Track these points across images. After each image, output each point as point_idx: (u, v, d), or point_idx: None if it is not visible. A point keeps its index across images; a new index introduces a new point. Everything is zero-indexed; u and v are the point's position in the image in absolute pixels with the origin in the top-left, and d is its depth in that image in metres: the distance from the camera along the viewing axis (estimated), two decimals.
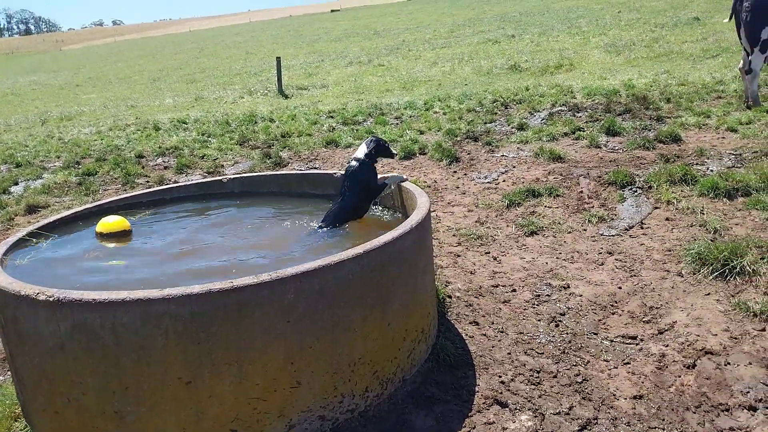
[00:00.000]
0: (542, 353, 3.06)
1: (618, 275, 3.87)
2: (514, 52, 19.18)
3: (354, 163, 3.64)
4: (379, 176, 3.72)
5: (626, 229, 4.57)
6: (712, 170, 5.58)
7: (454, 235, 4.78)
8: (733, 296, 3.40)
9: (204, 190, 4.13)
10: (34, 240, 3.16)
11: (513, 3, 40.98)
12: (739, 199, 4.78)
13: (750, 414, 2.47)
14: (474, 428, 2.52)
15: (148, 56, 41.42)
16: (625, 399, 2.65)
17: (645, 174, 5.61)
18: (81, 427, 2.30)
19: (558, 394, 2.72)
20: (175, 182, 7.09)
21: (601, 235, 4.54)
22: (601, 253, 4.22)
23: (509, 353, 3.07)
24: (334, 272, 2.33)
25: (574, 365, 2.93)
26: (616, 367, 2.90)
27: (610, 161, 6.30)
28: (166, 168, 8.21)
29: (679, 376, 2.77)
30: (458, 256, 4.38)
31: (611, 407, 2.61)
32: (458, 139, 8.10)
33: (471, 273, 4.08)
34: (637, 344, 3.08)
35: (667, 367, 2.85)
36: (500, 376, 2.87)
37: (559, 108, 9.61)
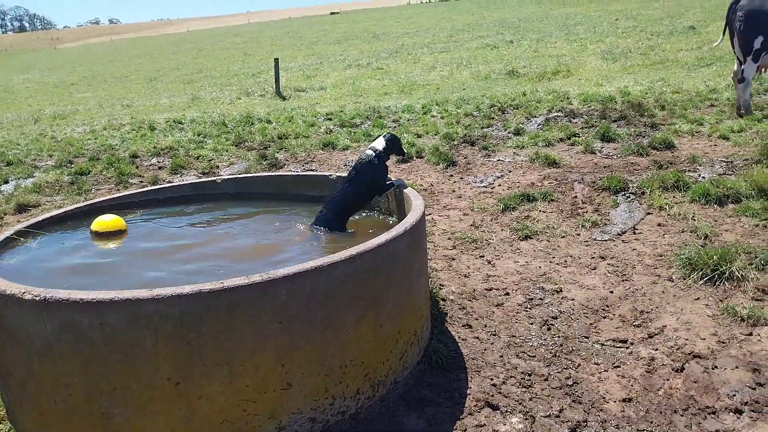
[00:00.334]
0: (534, 356, 3.07)
1: (610, 280, 3.89)
2: (512, 57, 19.27)
3: (370, 152, 3.68)
4: None
5: (619, 234, 4.60)
6: (703, 177, 5.62)
7: (449, 239, 4.80)
8: (721, 301, 3.42)
9: (198, 191, 4.13)
10: (22, 239, 3.14)
11: (512, 9, 41.18)
12: (730, 206, 4.82)
13: (736, 417, 2.50)
14: (465, 431, 2.53)
15: (145, 56, 41.37)
16: (615, 402, 2.67)
17: (638, 180, 5.65)
18: (68, 429, 2.28)
19: (549, 396, 2.73)
20: (170, 182, 7.08)
21: (594, 239, 4.56)
22: (593, 257, 4.25)
23: (501, 356, 3.08)
24: (327, 274, 2.34)
25: (565, 368, 2.95)
26: (607, 371, 2.91)
27: (604, 167, 6.34)
28: (160, 168, 8.20)
29: (668, 380, 2.79)
30: (453, 259, 4.40)
31: (601, 410, 2.62)
32: (455, 143, 8.13)
33: (465, 276, 4.09)
34: (627, 348, 3.10)
35: (656, 370, 2.87)
36: (492, 379, 2.88)
37: (556, 114, 9.66)
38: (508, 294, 3.79)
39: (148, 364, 2.16)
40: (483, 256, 4.41)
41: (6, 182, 7.83)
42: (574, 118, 9.14)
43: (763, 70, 8.76)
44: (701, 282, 3.66)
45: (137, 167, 8.23)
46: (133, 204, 3.91)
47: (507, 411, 2.64)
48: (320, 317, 2.37)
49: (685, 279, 3.74)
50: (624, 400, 2.67)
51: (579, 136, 7.77)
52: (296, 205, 3.92)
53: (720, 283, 3.60)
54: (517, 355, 3.08)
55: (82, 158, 9.05)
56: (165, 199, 4.03)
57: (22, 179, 7.89)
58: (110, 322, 2.10)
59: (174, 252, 3.15)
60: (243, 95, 17.49)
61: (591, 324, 3.37)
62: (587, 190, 5.62)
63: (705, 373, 2.79)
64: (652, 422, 2.52)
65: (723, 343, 3.03)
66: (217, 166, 8.05)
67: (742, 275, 3.60)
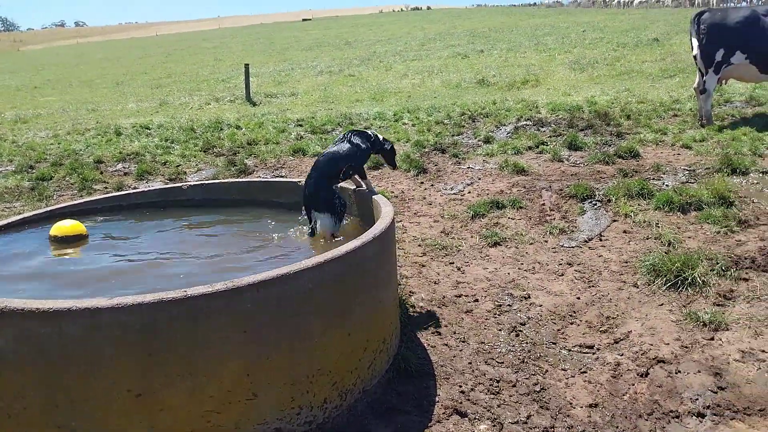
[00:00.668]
0: (502, 363, 3.08)
1: (577, 286, 3.94)
2: (483, 66, 19.51)
3: (368, 131, 3.90)
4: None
5: (586, 241, 4.67)
6: (667, 185, 5.76)
7: (419, 246, 4.80)
8: (684, 306, 3.50)
9: (163, 197, 4.04)
10: None
11: (483, 19, 41.78)
12: (692, 213, 4.94)
13: (698, 420, 2.54)
14: None
15: (112, 59, 40.57)
16: (581, 407, 2.69)
17: (604, 188, 5.75)
18: None
19: (517, 403, 2.74)
20: (135, 188, 6.92)
21: (562, 246, 4.62)
22: (561, 264, 4.30)
23: (470, 363, 3.08)
24: (293, 282, 2.30)
25: (533, 374, 2.97)
26: (574, 376, 2.94)
27: (571, 175, 6.44)
28: (126, 174, 8.01)
29: (633, 385, 2.83)
30: (423, 266, 4.40)
31: (568, 415, 2.64)
32: (426, 150, 8.16)
33: (435, 283, 4.09)
34: (593, 353, 3.14)
35: (621, 375, 2.91)
36: (461, 386, 2.88)
37: (525, 122, 9.80)
38: (477, 301, 3.80)
39: (107, 375, 2.09)
40: (453, 263, 4.42)
41: None
42: (542, 127, 9.28)
43: (724, 81, 9.07)
44: (665, 288, 3.73)
45: (102, 173, 8.03)
46: (95, 210, 3.81)
47: (475, 418, 2.64)
48: (287, 326, 2.33)
49: (649, 285, 3.82)
50: (590, 406, 2.70)
51: (547, 145, 7.89)
52: (263, 212, 3.87)
53: (683, 288, 3.68)
54: (485, 362, 3.09)
55: (44, 163, 8.78)
56: (129, 205, 3.93)
57: None
58: (68, 333, 2.03)
59: (139, 259, 3.07)
60: (212, 100, 17.26)
61: (558, 330, 3.41)
62: (555, 197, 5.70)
63: (669, 378, 2.84)
64: (617, 427, 2.55)
65: (686, 347, 3.09)
66: (185, 172, 7.91)
67: (704, 281, 3.69)
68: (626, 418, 2.60)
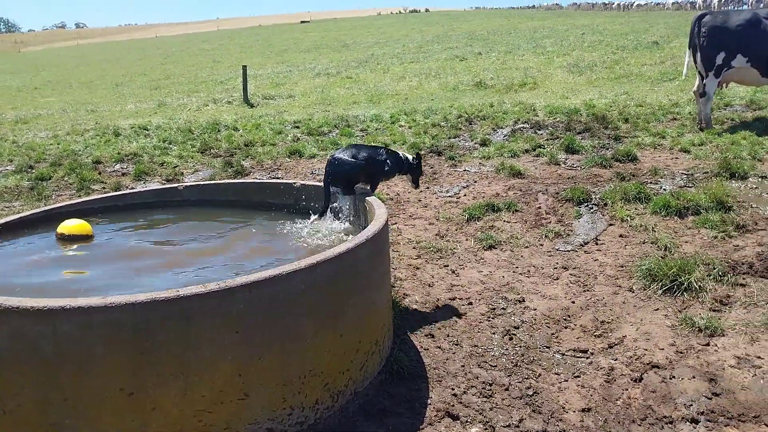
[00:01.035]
0: (495, 366, 3.08)
1: (572, 290, 3.93)
2: (481, 69, 19.55)
3: (405, 154, 3.98)
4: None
5: (581, 245, 4.67)
6: (665, 189, 5.77)
7: (414, 248, 4.79)
8: (680, 311, 3.49)
9: (159, 198, 4.03)
10: None
11: (481, 22, 41.85)
12: (690, 218, 4.95)
13: (692, 426, 2.54)
14: None
15: (111, 61, 40.59)
16: (574, 412, 2.69)
17: (601, 191, 5.76)
18: None
19: (509, 406, 2.74)
20: (132, 189, 6.92)
21: (557, 250, 4.62)
22: (556, 267, 4.30)
23: (463, 366, 3.08)
24: (285, 283, 2.30)
25: (526, 378, 2.96)
26: (567, 380, 2.93)
27: (568, 178, 6.45)
28: (123, 174, 8.01)
29: (627, 390, 2.82)
30: (417, 268, 4.39)
31: (560, 420, 2.64)
32: (422, 152, 8.16)
33: (429, 286, 4.09)
34: (587, 358, 3.13)
35: (615, 380, 2.91)
36: (453, 389, 2.87)
37: (522, 125, 9.82)
38: (471, 304, 3.79)
39: (100, 374, 2.10)
40: (447, 266, 4.42)
41: None
42: (539, 130, 9.29)
43: (724, 85, 9.08)
44: (661, 293, 3.73)
45: (100, 173, 8.03)
46: (92, 210, 3.80)
47: (467, 421, 2.63)
48: (279, 327, 2.33)
49: (645, 290, 3.81)
50: (583, 410, 2.69)
51: (544, 148, 7.90)
52: (259, 213, 3.86)
53: (679, 293, 3.68)
54: (478, 365, 3.08)
55: (44, 163, 8.78)
56: (125, 205, 3.93)
57: None
58: (62, 331, 2.04)
59: (133, 259, 3.06)
60: (210, 102, 17.27)
61: (552, 334, 3.40)
62: (551, 201, 5.70)
63: (663, 383, 2.84)
64: None
65: (681, 353, 3.08)
66: (182, 173, 7.90)
67: (700, 286, 3.68)
68: (619, 423, 2.60)
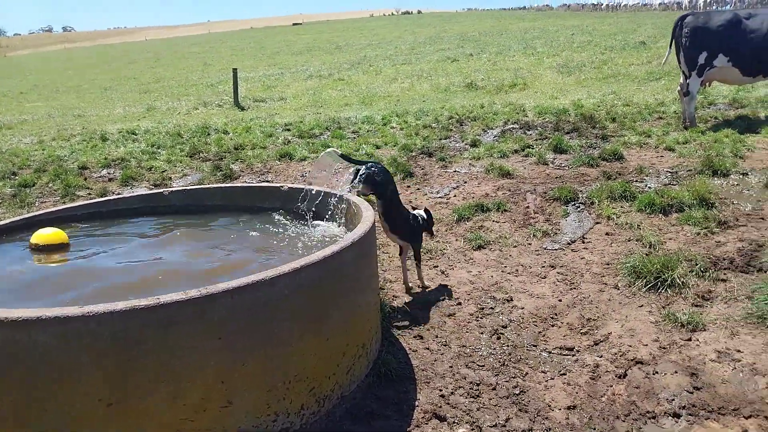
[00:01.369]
0: (483, 366, 3.09)
1: (559, 288, 3.95)
2: (472, 70, 19.61)
3: (418, 212, 4.15)
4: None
5: (568, 244, 4.69)
6: (650, 187, 5.81)
7: None
8: (663, 308, 3.52)
9: (145, 203, 4.01)
10: None
11: (473, 23, 41.98)
12: (674, 215, 4.98)
13: (674, 421, 2.56)
14: None
15: (100, 64, 40.36)
16: (560, 409, 2.70)
17: (588, 190, 5.79)
18: None
19: (496, 406, 2.75)
20: (118, 194, 6.88)
21: (545, 249, 4.64)
22: (544, 266, 4.31)
23: (451, 366, 3.08)
24: (268, 288, 2.29)
25: (513, 377, 2.97)
26: (553, 378, 2.95)
27: (556, 178, 6.48)
28: (110, 180, 7.96)
29: (611, 386, 2.84)
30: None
31: (546, 418, 2.65)
32: (413, 154, 8.19)
33: (419, 287, 4.09)
34: (573, 355, 3.15)
35: (600, 377, 2.92)
36: (441, 390, 2.88)
37: (512, 126, 9.85)
38: (460, 304, 3.80)
39: (79, 384, 2.06)
40: (437, 266, 4.43)
41: None
42: (528, 130, 9.33)
43: (707, 84, 9.16)
44: (645, 289, 3.75)
45: (86, 179, 7.98)
46: (75, 217, 3.77)
47: (454, 422, 2.64)
48: (262, 332, 2.32)
49: (630, 286, 3.84)
50: (569, 408, 2.71)
51: (533, 148, 7.93)
52: (246, 217, 3.85)
53: (662, 290, 3.71)
54: (466, 365, 3.09)
55: (28, 170, 8.71)
56: (109, 212, 3.90)
57: None
58: (38, 341, 2.00)
59: (118, 267, 3.04)
60: (200, 105, 17.21)
61: (540, 332, 3.42)
62: (539, 200, 5.73)
63: (646, 379, 2.86)
64: (595, 428, 2.56)
65: (664, 348, 3.11)
66: (170, 178, 7.87)
67: (683, 282, 3.71)
68: (603, 419, 2.61)
